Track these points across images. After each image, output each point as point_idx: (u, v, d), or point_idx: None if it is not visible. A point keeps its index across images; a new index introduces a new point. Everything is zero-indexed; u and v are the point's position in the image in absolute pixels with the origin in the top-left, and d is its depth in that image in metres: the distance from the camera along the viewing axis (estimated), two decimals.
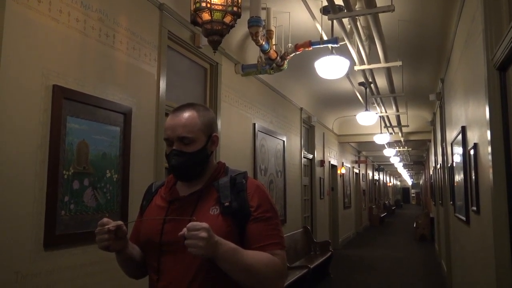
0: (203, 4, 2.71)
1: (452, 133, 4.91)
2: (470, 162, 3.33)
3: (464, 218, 3.87)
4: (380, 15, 3.78)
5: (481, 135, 2.83)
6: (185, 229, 1.19)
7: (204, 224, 1.19)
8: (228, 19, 2.77)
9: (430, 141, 10.91)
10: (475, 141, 3.09)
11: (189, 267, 1.33)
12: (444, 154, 6.33)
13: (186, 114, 1.43)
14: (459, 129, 3.97)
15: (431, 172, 11.62)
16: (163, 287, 1.36)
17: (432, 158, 10.09)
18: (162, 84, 3.49)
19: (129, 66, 3.12)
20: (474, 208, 3.18)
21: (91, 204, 2.69)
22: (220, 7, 2.73)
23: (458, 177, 4.32)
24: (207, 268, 1.31)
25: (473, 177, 3.15)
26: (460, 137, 3.87)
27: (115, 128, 2.93)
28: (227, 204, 1.37)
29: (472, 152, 3.18)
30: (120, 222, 1.31)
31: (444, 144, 6.25)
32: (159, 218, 1.41)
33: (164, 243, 1.38)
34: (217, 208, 1.38)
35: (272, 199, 1.46)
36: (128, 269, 1.52)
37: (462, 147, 3.74)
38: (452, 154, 4.92)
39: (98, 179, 2.75)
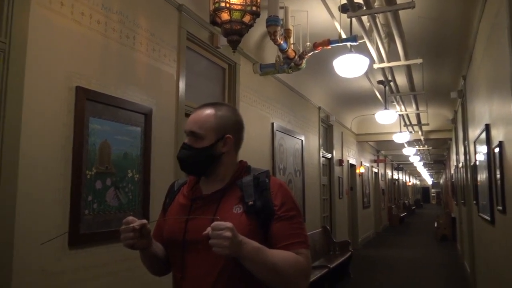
0: (222, 4, 2.72)
1: (475, 131, 4.81)
2: (495, 160, 3.26)
3: (488, 218, 3.78)
4: (400, 12, 3.73)
5: (506, 133, 2.77)
6: (209, 229, 1.20)
7: (228, 224, 1.19)
8: (247, 18, 2.78)
9: (451, 139, 10.71)
10: (500, 139, 3.02)
11: (213, 265, 1.33)
12: (466, 152, 6.21)
13: (204, 112, 1.46)
14: (482, 127, 3.88)
15: (452, 171, 11.42)
16: (187, 285, 1.37)
17: (454, 157, 9.91)
18: (182, 85, 3.51)
19: (149, 67, 3.15)
20: (500, 207, 3.11)
21: (113, 203, 2.73)
22: (239, 7, 2.73)
23: (482, 176, 4.23)
24: (232, 267, 1.32)
25: (498, 175, 3.08)
26: (483, 135, 3.79)
27: (136, 128, 2.96)
28: (251, 203, 1.36)
29: (497, 150, 3.11)
30: (144, 221, 1.32)
31: (466, 142, 6.13)
32: (182, 218, 1.42)
33: (188, 242, 1.39)
34: (240, 207, 1.38)
35: (295, 198, 1.45)
36: (152, 267, 1.53)
37: (486, 146, 3.67)
38: (475, 153, 4.82)
39: (120, 179, 2.79)
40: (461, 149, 7.19)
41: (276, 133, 5.55)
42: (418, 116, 8.35)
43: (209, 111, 1.45)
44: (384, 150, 16.12)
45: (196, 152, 1.42)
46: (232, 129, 1.47)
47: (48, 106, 2.31)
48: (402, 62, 4.75)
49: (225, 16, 2.76)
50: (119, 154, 2.79)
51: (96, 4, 2.67)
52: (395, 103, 7.13)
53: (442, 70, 6.49)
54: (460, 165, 7.72)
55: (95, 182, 2.59)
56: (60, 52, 2.40)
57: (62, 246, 2.33)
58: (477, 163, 4.66)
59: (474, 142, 4.82)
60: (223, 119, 1.46)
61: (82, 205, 2.48)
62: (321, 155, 7.76)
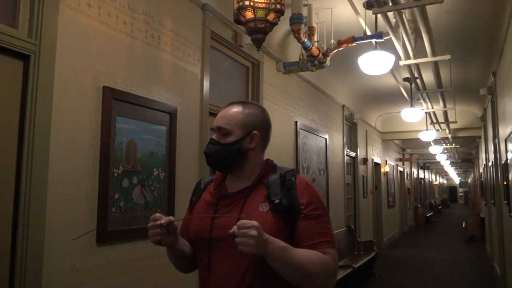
0: (246, 3, 2.72)
1: (506, 129, 4.67)
2: None
3: None
4: (427, 7, 3.65)
5: None
6: (235, 227, 1.20)
7: (254, 222, 1.20)
8: (271, 16, 2.77)
9: (480, 137, 10.43)
10: None
11: (239, 263, 1.33)
12: (496, 151, 6.03)
13: (232, 109, 1.47)
14: None
15: (481, 170, 11.11)
16: (213, 282, 1.38)
17: (483, 155, 9.64)
18: (206, 84, 3.53)
19: (174, 67, 3.18)
20: None
21: (139, 201, 2.77)
22: (263, 5, 2.72)
23: None
24: (257, 266, 1.31)
25: None
26: None
27: (162, 127, 2.99)
28: (277, 201, 1.36)
29: None
30: (171, 218, 1.34)
31: (496, 140, 5.95)
32: (208, 215, 1.43)
33: (214, 239, 1.39)
34: (266, 205, 1.37)
35: (321, 197, 1.44)
36: (179, 264, 1.54)
37: None
38: (506, 151, 4.67)
39: (146, 177, 2.83)
40: (491, 147, 6.99)
41: (300, 132, 5.52)
42: (445, 113, 8.16)
43: (236, 108, 1.47)
44: (410, 149, 15.82)
45: (223, 147, 1.43)
46: (259, 127, 1.48)
47: (76, 106, 2.36)
48: (429, 58, 4.65)
49: (249, 14, 2.75)
50: (145, 152, 2.83)
51: (122, 5, 2.71)
52: (422, 101, 6.99)
53: (471, 66, 6.31)
54: (490, 163, 7.50)
55: (122, 180, 2.63)
56: (88, 53, 2.45)
57: (90, 243, 2.38)
58: (508, 161, 4.52)
59: (505, 140, 4.67)
60: (251, 116, 1.46)
61: (110, 203, 2.52)
62: (345, 153, 7.68)
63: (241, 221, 1.20)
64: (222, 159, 1.44)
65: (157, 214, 1.34)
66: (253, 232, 1.18)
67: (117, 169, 2.60)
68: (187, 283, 3.02)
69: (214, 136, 1.46)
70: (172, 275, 2.76)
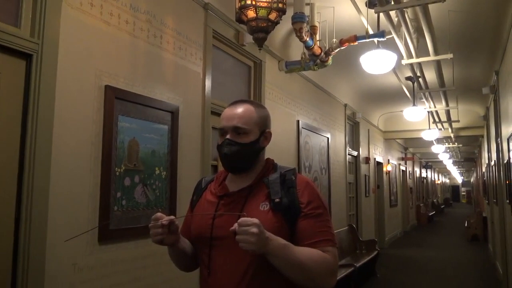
0: (248, 2, 2.72)
1: (508, 128, 4.66)
2: None
3: None
4: (430, 6, 3.64)
5: None
6: (236, 225, 1.21)
7: (255, 220, 1.20)
8: (273, 15, 2.77)
9: (482, 136, 10.40)
10: None
11: (240, 262, 1.34)
12: (499, 150, 6.02)
13: (243, 107, 1.46)
14: None
15: (483, 169, 11.09)
16: (214, 280, 1.38)
17: (485, 154, 9.62)
18: (208, 83, 3.54)
19: (176, 66, 3.19)
20: None
21: (141, 200, 2.78)
22: (265, 4, 2.73)
23: None
24: (258, 263, 1.32)
25: None
26: None
27: (163, 126, 3.00)
28: (277, 200, 1.36)
29: None
30: (172, 217, 1.34)
31: (499, 139, 5.94)
32: (209, 213, 1.43)
33: (215, 238, 1.40)
34: (267, 204, 1.38)
35: (322, 196, 1.45)
36: (180, 263, 1.55)
37: None
38: (509, 150, 4.66)
39: (147, 176, 2.84)
40: (494, 147, 6.98)
41: (302, 131, 5.52)
42: (448, 112, 8.14)
43: (247, 106, 1.47)
44: (412, 148, 15.79)
45: (243, 147, 1.42)
46: (269, 125, 1.51)
47: (79, 105, 2.37)
48: (432, 57, 4.64)
49: (251, 13, 2.76)
50: (147, 151, 2.84)
51: (124, 4, 2.72)
52: (424, 100, 6.98)
53: (474, 65, 6.30)
54: (492, 163, 7.48)
55: (123, 179, 2.64)
56: (90, 52, 2.45)
57: (92, 241, 2.39)
58: (511, 160, 4.51)
59: (508, 139, 4.66)
60: (261, 114, 1.49)
61: (112, 201, 2.53)
62: (347, 152, 7.67)
63: (242, 219, 1.21)
64: (244, 159, 1.43)
65: (158, 214, 1.35)
66: (254, 230, 1.18)
67: (119, 168, 2.61)
68: (189, 282, 3.03)
69: (229, 136, 1.42)
70: (173, 273, 2.77)
